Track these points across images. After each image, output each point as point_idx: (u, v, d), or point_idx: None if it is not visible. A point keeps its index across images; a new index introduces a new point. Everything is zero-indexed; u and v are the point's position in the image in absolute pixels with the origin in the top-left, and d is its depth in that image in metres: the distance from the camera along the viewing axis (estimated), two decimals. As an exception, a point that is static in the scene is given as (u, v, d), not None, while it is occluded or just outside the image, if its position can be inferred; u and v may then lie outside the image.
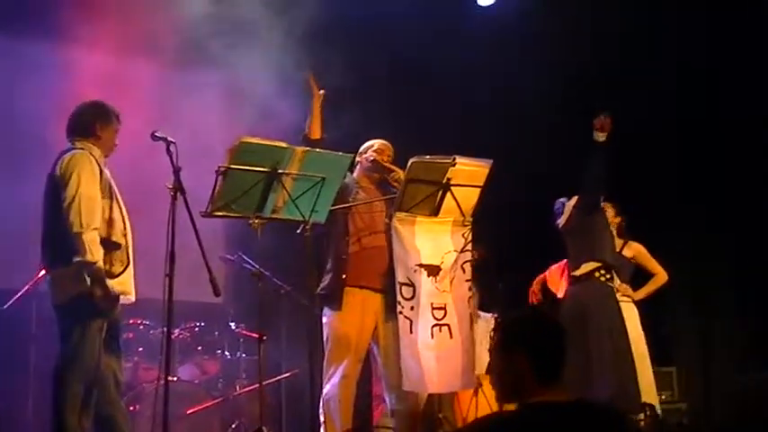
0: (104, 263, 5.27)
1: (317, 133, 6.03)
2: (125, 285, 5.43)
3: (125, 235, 5.46)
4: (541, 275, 7.90)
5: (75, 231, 5.17)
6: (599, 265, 6.96)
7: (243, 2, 7.73)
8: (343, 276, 5.97)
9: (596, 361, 6.63)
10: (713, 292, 9.38)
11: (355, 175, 6.30)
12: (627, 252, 7.71)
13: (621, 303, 7.08)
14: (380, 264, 6.00)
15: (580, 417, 3.22)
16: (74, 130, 5.56)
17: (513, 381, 3.29)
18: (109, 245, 5.35)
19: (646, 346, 7.36)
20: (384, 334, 6.02)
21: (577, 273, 6.96)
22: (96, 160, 5.42)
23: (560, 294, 7.36)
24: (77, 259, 5.15)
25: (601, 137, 6.75)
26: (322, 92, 6.11)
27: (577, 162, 6.87)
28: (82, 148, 5.43)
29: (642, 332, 7.38)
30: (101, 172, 5.40)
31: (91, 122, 5.55)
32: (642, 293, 7.67)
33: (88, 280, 5.18)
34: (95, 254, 5.18)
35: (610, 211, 7.42)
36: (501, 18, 9.24)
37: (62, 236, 5.26)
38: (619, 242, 7.60)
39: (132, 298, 5.56)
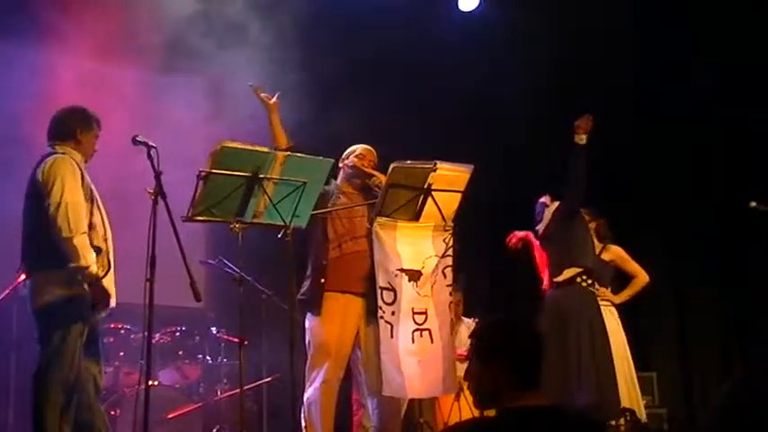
0: None
1: (282, 143, 6.03)
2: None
3: (106, 239, 5.45)
4: (526, 234, 7.72)
5: (64, 236, 5.15)
6: (580, 270, 6.98)
7: (226, 1, 7.76)
8: (322, 281, 5.97)
9: (577, 367, 6.64)
10: (693, 296, 9.41)
11: (338, 180, 6.31)
12: (605, 255, 7.69)
13: (602, 308, 7.08)
14: (361, 268, 6.00)
15: (557, 422, 3.22)
16: (54, 135, 5.54)
17: (491, 387, 3.29)
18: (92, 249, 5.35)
19: (628, 350, 7.37)
20: (365, 339, 6.02)
21: (559, 278, 6.97)
22: (78, 164, 5.42)
23: (545, 282, 7.28)
24: (72, 265, 5.13)
25: (582, 139, 6.78)
26: (274, 100, 6.10)
27: (559, 162, 6.89)
28: (63, 153, 5.43)
29: (624, 336, 7.39)
30: (82, 176, 5.39)
31: (72, 127, 5.53)
32: (623, 297, 7.65)
33: (85, 284, 5.18)
34: (88, 257, 5.17)
35: (585, 217, 7.41)
36: (482, 19, 9.27)
37: (42, 240, 5.26)
38: (597, 246, 7.59)
39: (113, 302, 5.55)
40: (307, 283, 6.06)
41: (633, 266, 7.76)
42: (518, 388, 3.24)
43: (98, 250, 5.38)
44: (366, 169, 6.23)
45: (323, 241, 6.04)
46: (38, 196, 5.30)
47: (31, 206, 5.39)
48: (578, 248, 7.09)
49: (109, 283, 5.44)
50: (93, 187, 5.47)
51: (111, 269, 5.47)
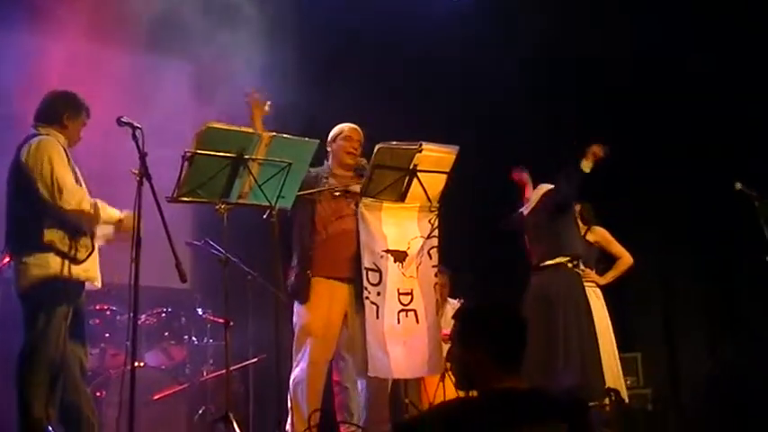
0: (69, 248, 5.32)
1: None
2: (90, 272, 5.44)
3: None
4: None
5: (69, 209, 5.24)
6: (568, 258, 7.02)
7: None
8: (309, 272, 6.00)
9: (563, 348, 6.68)
10: (677, 276, 9.44)
11: (329, 162, 6.30)
12: (590, 237, 7.72)
13: (587, 289, 7.15)
14: (348, 250, 6.00)
15: (539, 404, 3.27)
16: (40, 117, 5.55)
17: (474, 369, 3.32)
18: (74, 231, 5.36)
19: (612, 331, 7.41)
20: (352, 321, 6.04)
21: (548, 263, 6.99)
22: (63, 146, 5.42)
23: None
24: (96, 230, 5.29)
25: (587, 167, 6.86)
26: (267, 107, 6.04)
27: (544, 146, 6.89)
28: (47, 134, 5.42)
29: (608, 316, 7.42)
30: (68, 158, 5.39)
31: (59, 112, 5.54)
32: (608, 278, 7.70)
33: (111, 229, 5.34)
34: (95, 211, 5.30)
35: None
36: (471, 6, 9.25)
37: (27, 221, 5.28)
38: (582, 228, 7.61)
39: (98, 284, 5.57)
40: (293, 274, 6.08)
41: (617, 248, 7.81)
42: (500, 369, 3.28)
43: (83, 232, 5.40)
44: (352, 161, 6.22)
45: (310, 230, 6.04)
46: (21, 178, 5.32)
47: (15, 188, 5.39)
48: (567, 236, 7.16)
49: (93, 264, 5.46)
50: (77, 169, 5.48)
51: (96, 251, 5.48)
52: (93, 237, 5.45)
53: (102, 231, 5.51)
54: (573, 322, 6.77)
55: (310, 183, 6.03)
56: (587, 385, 6.61)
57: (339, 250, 6.02)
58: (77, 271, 5.35)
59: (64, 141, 5.49)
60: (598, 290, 7.51)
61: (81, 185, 5.42)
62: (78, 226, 5.36)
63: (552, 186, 7.21)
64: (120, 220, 5.43)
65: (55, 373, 5.25)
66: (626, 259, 7.77)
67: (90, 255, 5.42)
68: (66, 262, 5.32)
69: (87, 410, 5.45)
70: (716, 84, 8.57)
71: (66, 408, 5.39)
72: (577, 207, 7.56)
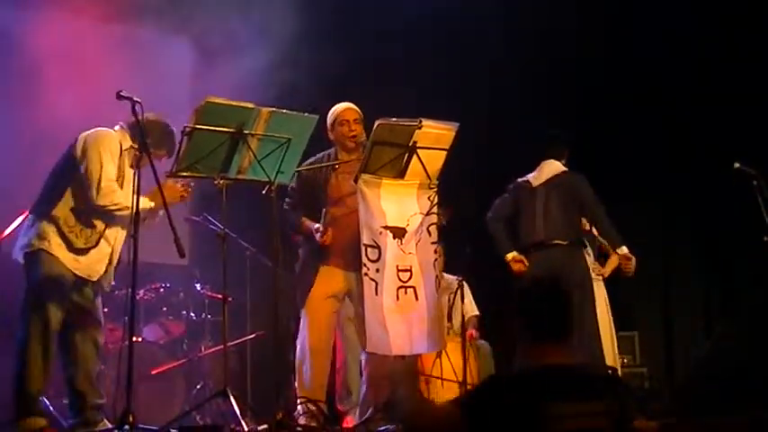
0: (70, 233, 5.42)
1: None
2: (80, 265, 5.50)
3: (107, 222, 5.54)
4: None
5: (101, 204, 5.40)
6: (577, 238, 7.10)
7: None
8: (316, 269, 6.04)
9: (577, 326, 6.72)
10: (674, 257, 9.45)
11: (335, 148, 6.28)
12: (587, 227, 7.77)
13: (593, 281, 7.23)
14: (352, 232, 5.97)
15: (579, 380, 3.36)
16: (133, 126, 5.47)
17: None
18: (82, 219, 5.46)
19: (609, 309, 7.44)
20: (355, 304, 6.07)
21: (556, 241, 6.99)
22: (123, 150, 5.54)
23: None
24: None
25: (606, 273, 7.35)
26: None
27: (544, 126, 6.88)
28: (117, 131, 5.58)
29: (606, 295, 7.45)
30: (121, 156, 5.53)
31: (147, 135, 5.32)
32: (609, 268, 7.69)
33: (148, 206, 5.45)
34: (121, 202, 5.38)
35: None
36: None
37: (51, 194, 5.47)
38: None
39: (107, 287, 5.72)
40: (299, 265, 6.15)
41: None
42: (539, 347, 3.38)
43: (91, 225, 5.49)
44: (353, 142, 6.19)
45: (315, 207, 6.05)
46: (72, 160, 5.48)
47: (63, 165, 5.56)
48: (578, 219, 7.18)
49: (90, 261, 5.53)
50: (125, 176, 5.53)
51: (98, 249, 5.53)
52: (102, 233, 5.53)
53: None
54: (580, 302, 6.77)
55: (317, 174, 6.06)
56: (588, 363, 6.63)
57: (344, 236, 6.00)
58: (68, 257, 5.43)
59: (129, 150, 5.56)
60: (602, 283, 7.59)
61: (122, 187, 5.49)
62: (89, 218, 5.45)
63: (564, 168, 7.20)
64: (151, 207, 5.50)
65: (46, 344, 5.34)
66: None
67: (89, 250, 5.49)
68: (63, 243, 5.42)
69: (92, 409, 5.54)
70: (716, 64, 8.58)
71: (78, 395, 5.53)
72: None
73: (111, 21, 8.27)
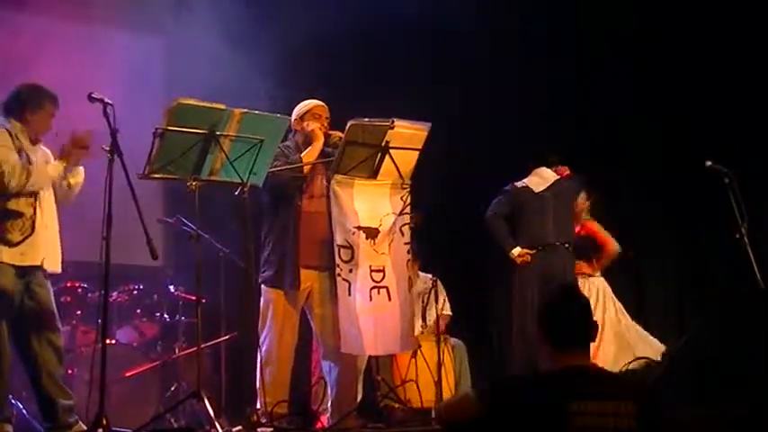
0: (5, 231, 5.37)
1: None
2: (26, 255, 5.44)
3: (33, 205, 5.48)
4: None
5: (14, 186, 5.31)
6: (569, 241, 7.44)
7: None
8: (283, 266, 5.96)
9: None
10: (649, 254, 9.47)
11: (297, 139, 6.24)
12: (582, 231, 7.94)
13: (594, 279, 7.73)
14: (320, 231, 5.98)
15: (606, 381, 3.51)
16: (6, 109, 5.58)
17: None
18: (8, 213, 5.40)
19: (616, 304, 7.79)
20: (322, 303, 6.04)
21: (567, 244, 7.34)
22: (16, 136, 5.47)
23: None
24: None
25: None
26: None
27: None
28: (2, 126, 5.49)
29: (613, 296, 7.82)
30: (20, 150, 5.44)
31: (21, 107, 5.54)
32: (604, 262, 8.00)
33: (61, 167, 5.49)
34: (32, 176, 5.36)
35: (582, 195, 7.83)
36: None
37: None
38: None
39: (52, 268, 5.60)
40: (267, 266, 6.05)
41: (602, 236, 7.97)
42: (556, 351, 3.52)
43: (19, 214, 5.43)
44: (322, 131, 6.15)
45: (284, 205, 6.01)
46: None
47: None
48: (572, 222, 7.67)
49: (30, 248, 5.47)
50: (31, 157, 5.48)
51: (35, 233, 5.48)
52: (34, 219, 5.46)
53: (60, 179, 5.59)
54: None
55: (282, 161, 5.99)
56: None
57: (312, 234, 5.96)
58: (11, 254, 5.37)
59: (22, 133, 5.51)
60: (602, 278, 7.88)
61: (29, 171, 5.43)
62: (13, 209, 5.40)
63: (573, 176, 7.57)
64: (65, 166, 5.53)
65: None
66: (611, 246, 7.94)
67: (27, 238, 5.44)
68: (3, 246, 5.36)
69: (61, 408, 5.49)
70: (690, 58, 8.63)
71: (46, 399, 5.50)
72: (587, 203, 7.94)
73: (78, 19, 8.25)
